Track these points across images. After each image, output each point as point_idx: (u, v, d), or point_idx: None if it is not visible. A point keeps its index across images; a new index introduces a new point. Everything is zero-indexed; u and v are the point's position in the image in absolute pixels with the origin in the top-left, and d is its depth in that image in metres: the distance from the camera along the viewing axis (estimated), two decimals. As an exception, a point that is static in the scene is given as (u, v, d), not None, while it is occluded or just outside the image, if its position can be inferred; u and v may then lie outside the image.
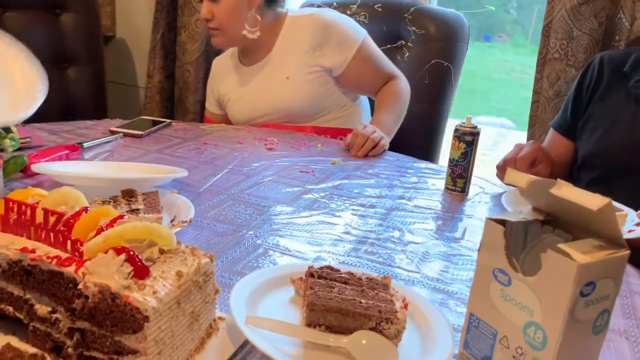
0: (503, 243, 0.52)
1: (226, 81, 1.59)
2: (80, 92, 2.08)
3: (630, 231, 0.90)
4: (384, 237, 0.87)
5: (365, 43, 1.51)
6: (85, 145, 1.18)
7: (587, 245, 0.48)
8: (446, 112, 1.76)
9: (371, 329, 0.58)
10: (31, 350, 0.52)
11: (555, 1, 1.56)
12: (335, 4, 1.84)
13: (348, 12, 1.79)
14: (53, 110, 1.97)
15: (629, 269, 0.83)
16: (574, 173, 1.29)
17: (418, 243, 0.86)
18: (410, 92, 1.60)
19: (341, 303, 0.58)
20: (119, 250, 0.50)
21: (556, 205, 0.50)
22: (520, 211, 0.55)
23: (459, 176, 1.08)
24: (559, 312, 0.47)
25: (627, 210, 0.95)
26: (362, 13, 1.79)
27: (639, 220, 0.93)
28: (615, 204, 0.97)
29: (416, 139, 1.64)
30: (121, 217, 0.56)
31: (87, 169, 0.99)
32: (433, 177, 1.19)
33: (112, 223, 0.54)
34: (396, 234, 0.89)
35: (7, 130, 1.05)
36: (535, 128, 1.63)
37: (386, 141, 1.36)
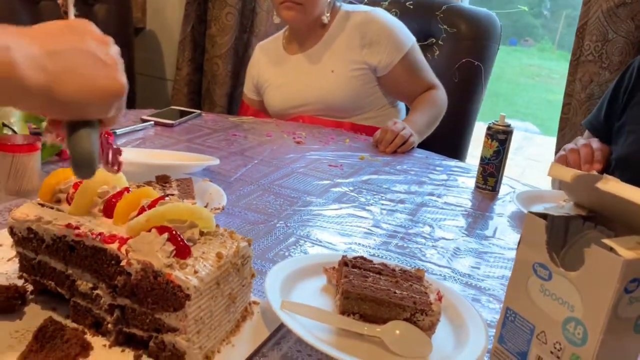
0: (545, 237, 0.51)
1: (268, 67, 1.60)
2: (111, 83, 2.11)
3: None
4: (414, 232, 0.87)
5: (413, 49, 1.52)
6: (118, 132, 1.19)
7: (632, 242, 0.48)
8: (475, 112, 1.74)
9: (405, 319, 0.58)
10: (71, 325, 0.53)
11: (592, 2, 1.54)
12: (366, 0, 1.84)
13: (378, 7, 1.78)
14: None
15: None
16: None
17: (449, 239, 0.86)
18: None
19: (376, 292, 0.58)
20: (161, 230, 0.51)
21: (601, 201, 0.50)
22: (562, 206, 0.55)
23: (490, 175, 1.07)
24: (602, 308, 0.46)
25: None
26: (394, 10, 1.78)
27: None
28: None
29: (445, 137, 1.63)
30: (162, 198, 0.57)
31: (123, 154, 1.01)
32: (463, 175, 1.19)
33: (154, 203, 0.55)
34: (426, 229, 0.89)
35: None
36: (565, 131, 1.61)
37: (415, 139, 1.35)
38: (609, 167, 1.25)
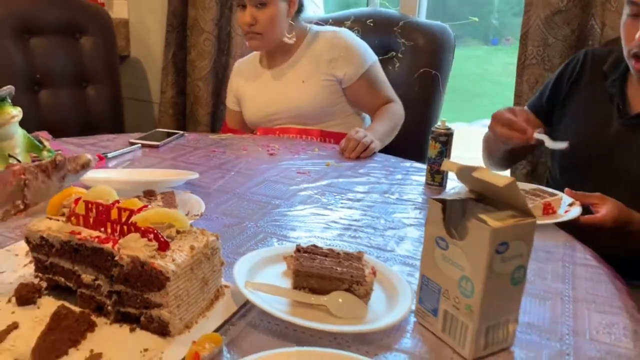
0: (441, 216, 0.66)
1: (245, 81, 1.78)
2: (99, 110, 2.25)
3: (566, 211, 1.04)
4: (366, 225, 1.02)
5: (374, 67, 1.70)
6: (109, 155, 1.34)
7: (503, 215, 0.63)
8: (435, 117, 1.90)
9: (345, 290, 0.72)
10: (79, 310, 0.68)
11: (531, 12, 1.70)
12: (330, 20, 2.00)
13: (343, 27, 1.94)
14: (75, 126, 2.15)
15: (577, 244, 0.97)
16: (547, 161, 1.41)
17: (396, 229, 1.01)
18: (402, 100, 1.75)
19: (320, 270, 0.73)
20: (146, 230, 0.66)
21: (481, 185, 0.65)
22: (458, 192, 0.70)
23: (437, 172, 1.22)
24: (481, 266, 0.61)
25: (560, 194, 1.08)
26: (356, 28, 1.94)
27: (571, 200, 1.06)
28: (550, 189, 1.11)
29: (408, 142, 1.78)
30: (145, 206, 0.71)
31: (112, 175, 1.15)
32: (416, 174, 1.34)
33: (139, 210, 0.70)
34: (378, 221, 1.04)
35: (43, 144, 1.22)
36: (517, 128, 1.77)
37: (376, 145, 1.51)
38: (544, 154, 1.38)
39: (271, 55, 1.72)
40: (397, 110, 1.73)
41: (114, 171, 1.21)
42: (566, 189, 1.09)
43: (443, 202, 0.66)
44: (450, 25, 1.93)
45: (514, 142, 1.21)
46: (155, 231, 0.66)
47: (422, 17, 2.10)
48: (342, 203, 1.13)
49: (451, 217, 0.67)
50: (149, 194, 1.01)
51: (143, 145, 1.46)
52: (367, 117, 1.79)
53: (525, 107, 1.45)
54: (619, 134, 1.20)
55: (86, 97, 2.25)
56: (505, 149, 1.37)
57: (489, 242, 0.60)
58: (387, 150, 1.68)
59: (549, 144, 1.17)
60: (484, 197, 0.68)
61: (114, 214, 0.68)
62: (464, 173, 0.65)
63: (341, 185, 1.24)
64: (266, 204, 1.09)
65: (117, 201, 0.74)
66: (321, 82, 1.66)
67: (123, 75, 2.52)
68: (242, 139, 1.61)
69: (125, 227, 0.67)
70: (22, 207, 0.77)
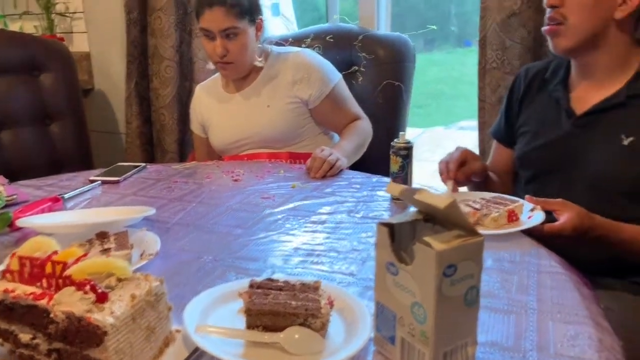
0: (389, 241, 0.64)
1: (209, 106, 1.75)
2: (65, 146, 2.21)
3: (529, 217, 1.03)
4: (330, 248, 1.00)
5: (338, 86, 1.69)
6: (67, 196, 1.30)
7: (449, 236, 0.61)
8: (402, 126, 1.89)
9: (301, 324, 0.70)
10: (20, 372, 0.64)
11: (487, 16, 1.71)
12: (290, 39, 1.99)
13: (303, 45, 1.94)
14: (41, 165, 2.11)
15: (542, 251, 0.96)
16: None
17: (360, 250, 0.98)
18: (367, 113, 1.74)
19: (274, 306, 0.70)
20: (82, 282, 0.62)
21: (425, 206, 0.63)
22: (406, 213, 0.68)
23: (401, 187, 1.20)
24: (431, 291, 0.59)
25: (521, 201, 1.07)
26: (316, 45, 1.93)
27: (533, 205, 1.05)
28: (510, 196, 1.10)
29: (376, 155, 1.76)
30: (84, 255, 0.68)
31: (67, 218, 1.12)
32: (382, 189, 1.32)
33: (76, 261, 0.67)
34: (341, 244, 1.01)
35: (-6, 190, 1.18)
36: (484, 133, 1.76)
37: (343, 162, 1.49)
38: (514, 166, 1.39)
39: (235, 80, 1.70)
40: (364, 127, 1.72)
41: (69, 214, 1.18)
42: (527, 196, 1.08)
43: (390, 226, 0.64)
44: (412, 35, 1.94)
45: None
46: (92, 282, 0.62)
47: (381, 30, 2.09)
48: (306, 227, 1.10)
49: (401, 240, 0.65)
50: (102, 236, 0.97)
51: (103, 182, 1.42)
52: (336, 136, 1.77)
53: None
54: (571, 135, 1.20)
55: (50, 134, 2.21)
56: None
57: (435, 265, 0.58)
58: (355, 164, 1.66)
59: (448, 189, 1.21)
60: (432, 217, 0.66)
61: (48, 268, 0.65)
62: (408, 195, 0.63)
63: (306, 208, 1.21)
64: (227, 235, 1.06)
65: (56, 252, 0.70)
66: (286, 105, 1.65)
67: (88, 109, 2.49)
68: (205, 166, 1.58)
69: (60, 281, 0.64)
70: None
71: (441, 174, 1.23)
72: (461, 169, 1.21)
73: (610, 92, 1.17)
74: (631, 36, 1.17)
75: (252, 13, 1.59)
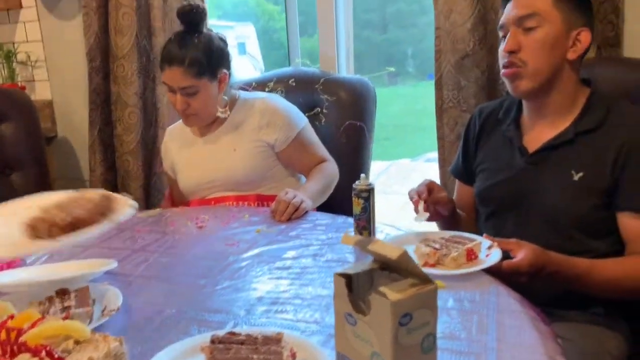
0: (346, 292, 0.65)
1: (177, 150, 1.77)
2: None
3: (487, 255, 1.05)
4: (294, 295, 1.00)
5: (304, 130, 1.72)
6: (27, 250, 1.28)
7: (404, 284, 0.62)
8: (366, 166, 1.93)
9: (263, 378, 0.70)
10: None
11: (442, 58, 1.77)
12: (254, 83, 2.02)
13: (266, 89, 1.97)
14: (1, 217, 2.06)
15: (500, 288, 0.98)
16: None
17: (323, 296, 0.99)
18: (331, 153, 1.77)
19: (235, 362, 0.70)
20: (37, 349, 0.62)
21: (380, 256, 0.64)
22: (363, 262, 0.69)
23: (363, 228, 1.22)
24: (388, 341, 0.60)
25: (479, 238, 1.10)
26: (279, 89, 1.97)
27: (490, 243, 1.09)
28: (468, 234, 1.13)
29: (341, 195, 1.78)
30: (41, 319, 0.68)
31: (26, 275, 1.10)
32: (347, 230, 1.33)
33: (32, 325, 0.66)
34: (306, 290, 1.02)
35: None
36: (444, 169, 1.81)
37: (307, 204, 1.50)
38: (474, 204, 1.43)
39: (202, 126, 1.72)
40: (330, 169, 1.74)
41: (27, 270, 1.16)
42: (484, 234, 1.11)
43: (347, 276, 0.66)
44: (371, 77, 1.99)
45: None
46: (48, 348, 0.62)
47: (342, 72, 2.15)
48: (270, 274, 1.10)
49: (359, 290, 0.66)
50: (62, 293, 0.96)
51: (65, 234, 1.40)
52: (304, 178, 1.79)
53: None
54: (525, 172, 1.24)
55: (11, 184, 2.17)
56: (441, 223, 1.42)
57: (390, 315, 0.59)
58: (321, 205, 1.68)
59: (415, 217, 1.24)
60: (388, 265, 0.67)
61: (2, 335, 0.64)
62: (362, 246, 0.65)
63: (271, 253, 1.22)
64: (190, 286, 1.06)
65: (12, 316, 0.69)
66: (253, 149, 1.67)
67: (52, 156, 2.47)
68: (170, 213, 1.58)
69: (15, 348, 0.63)
70: None
71: (411, 199, 1.26)
72: (430, 197, 1.23)
73: (559, 129, 1.22)
74: (578, 76, 1.24)
75: (212, 70, 1.61)
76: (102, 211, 0.93)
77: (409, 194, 1.28)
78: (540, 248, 1.05)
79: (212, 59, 1.61)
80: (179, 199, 1.83)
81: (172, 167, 1.80)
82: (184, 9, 1.61)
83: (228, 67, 1.67)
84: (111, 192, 1.01)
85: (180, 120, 1.80)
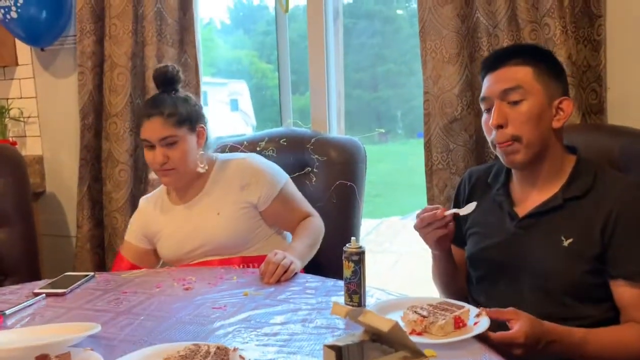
0: (335, 365, 0.63)
1: (156, 218, 1.71)
2: (12, 252, 2.12)
3: (475, 323, 1.04)
4: (282, 364, 0.97)
5: (286, 186, 1.71)
6: (8, 312, 1.24)
7: (396, 357, 0.61)
8: (356, 226, 1.92)
9: None
10: None
11: (430, 121, 1.81)
12: (245, 142, 2.04)
13: (258, 149, 1.99)
14: (-18, 273, 2.02)
15: (493, 356, 0.96)
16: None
17: (312, 364, 0.96)
18: (321, 213, 1.77)
19: None
20: None
21: (371, 328, 0.63)
22: (353, 334, 0.68)
23: (354, 292, 1.21)
24: (379, 419, 0.58)
25: (467, 306, 1.09)
26: (270, 148, 1.99)
27: (478, 311, 1.07)
28: (455, 302, 1.12)
29: (330, 255, 1.77)
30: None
31: (5, 339, 1.06)
32: (337, 294, 1.31)
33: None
34: (294, 358, 0.99)
35: None
36: (434, 231, 1.81)
37: (297, 265, 1.48)
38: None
39: (182, 190, 1.69)
40: (316, 224, 1.73)
41: (8, 333, 1.12)
42: (482, 308, 1.08)
43: (337, 349, 0.64)
44: (361, 137, 2.03)
45: (433, 229, 1.26)
46: None
47: (333, 132, 2.18)
48: (257, 340, 1.08)
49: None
50: (42, 359, 0.92)
51: (48, 295, 1.37)
52: (289, 235, 1.78)
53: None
54: (516, 236, 1.25)
55: (-4, 239, 2.13)
56: (439, 260, 1.40)
57: (383, 392, 0.58)
58: (310, 263, 1.66)
59: (460, 211, 1.26)
60: (378, 336, 0.66)
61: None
62: (353, 317, 0.64)
63: (258, 318, 1.19)
64: (175, 352, 1.02)
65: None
66: (237, 211, 1.65)
67: (39, 212, 2.44)
68: (156, 273, 1.55)
69: None
70: None
71: (420, 224, 1.27)
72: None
73: (548, 195, 1.24)
74: (562, 143, 1.27)
75: (191, 121, 1.62)
76: None
77: (422, 218, 1.27)
78: (537, 319, 1.04)
79: (190, 112, 1.62)
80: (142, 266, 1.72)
81: (149, 236, 1.71)
82: (159, 70, 1.65)
83: (204, 124, 1.68)
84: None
85: (156, 190, 1.78)
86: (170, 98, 1.61)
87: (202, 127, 1.66)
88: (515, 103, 1.21)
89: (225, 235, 1.63)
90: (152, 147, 1.60)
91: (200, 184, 1.67)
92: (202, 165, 1.64)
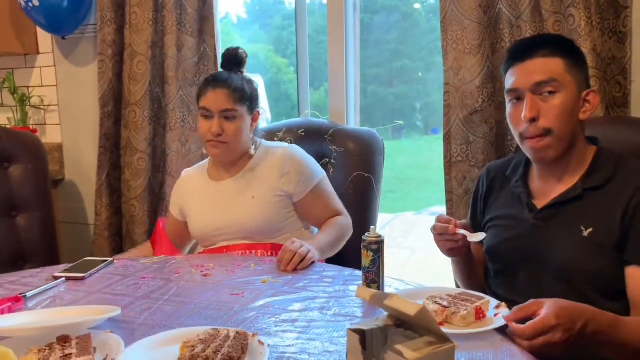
0: (360, 349, 0.63)
1: (192, 194, 1.76)
2: (31, 238, 2.15)
3: (496, 315, 1.03)
4: (300, 350, 0.97)
5: (322, 181, 1.73)
6: (29, 295, 1.26)
7: (421, 343, 0.60)
8: (374, 218, 1.91)
9: None
10: None
11: (450, 113, 1.80)
12: (264, 132, 2.04)
13: (276, 138, 1.99)
14: (4, 259, 2.04)
15: (514, 349, 0.95)
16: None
17: (331, 352, 0.96)
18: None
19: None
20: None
21: (396, 312, 0.63)
22: (377, 318, 0.67)
23: (372, 281, 1.20)
24: (404, 401, 0.58)
25: (487, 297, 1.08)
26: (288, 138, 1.99)
27: (497, 302, 1.06)
28: (474, 293, 1.11)
29: (348, 246, 1.77)
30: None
31: (27, 320, 1.07)
32: (355, 283, 1.31)
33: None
34: (313, 345, 0.99)
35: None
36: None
37: (314, 254, 1.48)
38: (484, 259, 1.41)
39: (223, 168, 1.72)
40: (344, 223, 1.74)
41: (29, 314, 1.13)
42: (506, 316, 1.01)
43: (361, 332, 0.64)
44: (380, 129, 2.02)
45: (445, 240, 1.28)
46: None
47: (350, 124, 2.17)
48: (276, 327, 1.08)
49: (373, 346, 0.64)
50: (63, 340, 0.93)
51: (67, 279, 1.38)
52: (316, 231, 1.78)
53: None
54: (535, 228, 1.24)
55: (16, 226, 2.16)
56: (456, 263, 1.42)
57: (408, 375, 0.57)
58: (330, 258, 1.66)
59: (470, 236, 1.26)
60: (403, 321, 0.65)
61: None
62: (378, 301, 0.63)
63: (277, 305, 1.19)
64: (194, 336, 1.03)
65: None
66: (272, 198, 1.66)
67: (58, 199, 2.47)
68: (174, 260, 1.56)
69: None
70: None
71: (437, 230, 1.28)
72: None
73: (567, 186, 1.22)
74: (584, 134, 1.25)
75: (251, 102, 1.68)
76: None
77: (438, 227, 1.28)
78: (562, 299, 0.99)
79: (252, 94, 1.69)
80: (177, 242, 1.82)
81: (183, 211, 1.78)
82: (231, 49, 1.71)
83: (260, 110, 1.74)
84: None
85: (199, 164, 1.82)
86: (237, 76, 1.67)
87: (258, 112, 1.71)
88: (549, 95, 1.19)
89: (255, 219, 1.64)
90: (209, 117, 1.63)
91: (241, 165, 1.71)
92: (253, 148, 1.70)
